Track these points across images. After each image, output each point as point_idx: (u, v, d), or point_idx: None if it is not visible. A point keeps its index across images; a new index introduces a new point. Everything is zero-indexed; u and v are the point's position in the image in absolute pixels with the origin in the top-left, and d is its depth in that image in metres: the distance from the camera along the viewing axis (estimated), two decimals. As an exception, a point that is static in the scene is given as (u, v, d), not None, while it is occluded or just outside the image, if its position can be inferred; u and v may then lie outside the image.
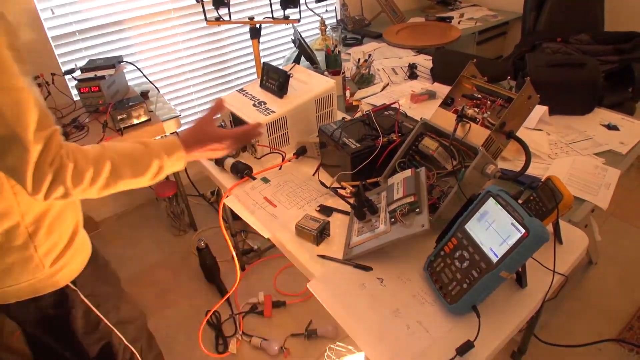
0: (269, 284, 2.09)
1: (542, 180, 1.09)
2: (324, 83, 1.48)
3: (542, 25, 2.69)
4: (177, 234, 2.45)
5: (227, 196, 1.32)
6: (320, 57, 2.18)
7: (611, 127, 1.56)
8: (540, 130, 1.56)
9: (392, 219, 1.02)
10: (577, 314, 1.84)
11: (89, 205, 2.52)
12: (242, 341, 1.84)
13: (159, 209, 2.63)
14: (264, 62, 1.53)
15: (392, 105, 1.41)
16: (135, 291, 2.13)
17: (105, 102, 1.95)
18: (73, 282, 1.01)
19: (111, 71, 1.99)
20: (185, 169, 2.46)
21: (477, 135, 1.09)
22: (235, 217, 2.34)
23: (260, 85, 1.53)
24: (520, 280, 0.95)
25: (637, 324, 1.78)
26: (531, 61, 1.70)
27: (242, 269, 2.19)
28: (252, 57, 2.71)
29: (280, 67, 1.49)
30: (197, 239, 2.31)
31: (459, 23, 2.93)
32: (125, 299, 1.22)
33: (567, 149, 1.47)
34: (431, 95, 1.80)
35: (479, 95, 1.16)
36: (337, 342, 1.76)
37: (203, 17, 2.08)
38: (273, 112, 1.38)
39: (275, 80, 1.46)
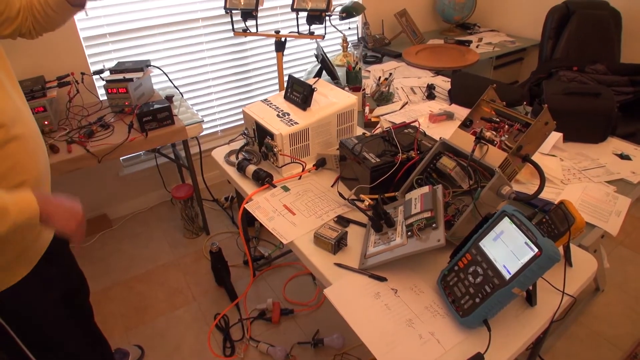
0: (277, 292, 2.12)
1: (555, 204, 1.12)
2: (346, 98, 1.54)
3: (559, 54, 2.74)
4: (190, 236, 2.50)
5: (247, 202, 1.37)
6: (340, 72, 2.24)
7: (624, 157, 1.60)
8: (554, 155, 1.60)
9: (409, 233, 1.06)
10: (582, 340, 1.85)
11: (104, 204, 2.58)
12: (249, 346, 1.87)
13: (174, 210, 2.69)
14: (289, 75, 1.58)
15: (412, 124, 1.46)
16: (145, 290, 2.17)
17: (131, 103, 2.02)
18: None
19: (139, 74, 2.06)
20: (202, 173, 2.51)
21: (494, 157, 1.13)
22: (250, 224, 2.39)
23: (284, 97, 1.59)
24: (531, 298, 0.98)
25: (642, 354, 1.79)
26: (548, 88, 1.74)
27: (253, 275, 2.23)
28: (275, 68, 2.78)
29: (302, 80, 1.55)
30: (209, 242, 2.36)
31: (477, 47, 2.99)
32: None
33: (579, 175, 1.50)
34: (449, 116, 1.84)
35: (497, 119, 1.21)
36: (344, 352, 1.79)
37: (230, 27, 2.16)
38: (296, 123, 1.43)
39: (299, 92, 1.51)
